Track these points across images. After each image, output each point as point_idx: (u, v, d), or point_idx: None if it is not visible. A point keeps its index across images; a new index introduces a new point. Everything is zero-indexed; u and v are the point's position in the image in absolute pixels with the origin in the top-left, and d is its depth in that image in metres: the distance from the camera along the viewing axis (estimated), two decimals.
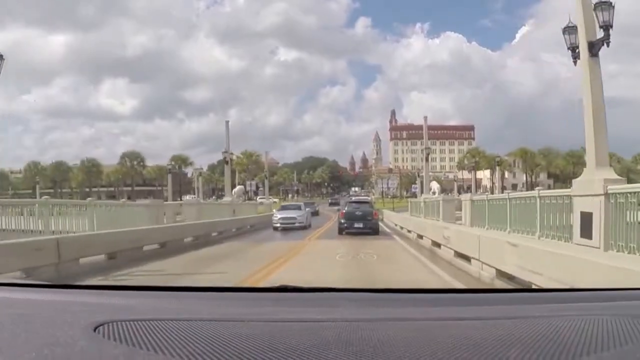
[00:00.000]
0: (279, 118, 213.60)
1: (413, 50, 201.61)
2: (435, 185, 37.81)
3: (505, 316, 1.30)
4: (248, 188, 39.29)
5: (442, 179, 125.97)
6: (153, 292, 1.75)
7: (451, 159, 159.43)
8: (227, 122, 32.69)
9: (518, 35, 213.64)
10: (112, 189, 70.57)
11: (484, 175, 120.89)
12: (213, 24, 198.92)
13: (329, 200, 76.92)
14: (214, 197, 57.98)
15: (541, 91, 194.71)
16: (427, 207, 25.09)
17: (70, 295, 1.60)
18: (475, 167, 53.55)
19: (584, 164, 11.44)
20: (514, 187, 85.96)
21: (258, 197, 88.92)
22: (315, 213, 30.42)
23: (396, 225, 26.12)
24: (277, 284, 1.69)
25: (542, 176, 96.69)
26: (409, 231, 20.75)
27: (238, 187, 41.05)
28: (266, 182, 48.12)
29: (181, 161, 57.08)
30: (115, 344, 1.06)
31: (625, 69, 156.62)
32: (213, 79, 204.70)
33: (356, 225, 19.89)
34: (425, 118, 36.90)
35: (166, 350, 1.03)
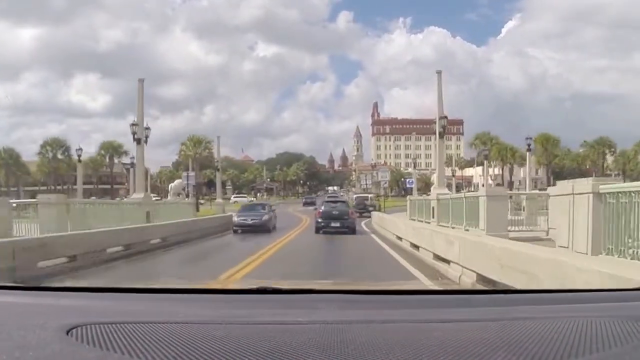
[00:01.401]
0: (257, 115, 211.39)
1: (395, 45, 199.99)
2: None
3: (490, 318, 1.29)
4: (186, 182, 27.68)
5: (429, 175, 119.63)
6: (128, 293, 1.68)
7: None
8: (141, 80, 20.66)
9: (504, 30, 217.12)
10: (37, 187, 57.19)
11: (475, 172, 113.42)
12: (190, 18, 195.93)
13: (303, 200, 66.91)
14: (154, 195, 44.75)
15: (528, 86, 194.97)
16: (444, 208, 17.58)
17: (43, 298, 1.56)
18: (489, 157, 42.08)
19: None
20: (537, 183, 72.11)
21: (233, 196, 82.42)
22: (268, 220, 21.94)
23: (401, 239, 14.90)
24: (256, 285, 1.67)
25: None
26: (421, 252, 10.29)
27: (176, 182, 29.57)
28: (218, 175, 35.60)
29: (112, 150, 42.83)
30: (89, 347, 1.05)
31: (614, 65, 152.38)
32: (189, 75, 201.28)
33: (333, 224, 19.80)
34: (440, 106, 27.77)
35: (140, 354, 1.02)
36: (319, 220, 20.17)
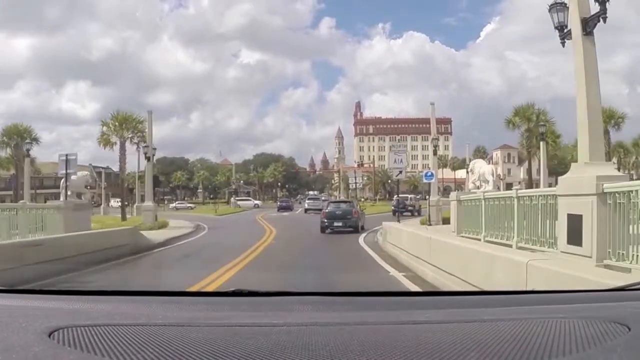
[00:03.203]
0: (240, 121, 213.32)
1: (375, 51, 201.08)
2: (486, 168, 18.41)
3: (463, 319, 1.27)
4: (65, 171, 18.04)
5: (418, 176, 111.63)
6: (109, 296, 1.69)
7: (425, 157, 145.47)
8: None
9: (483, 34, 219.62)
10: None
11: (467, 174, 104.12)
12: (177, 27, 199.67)
13: (278, 204, 57.08)
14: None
15: (507, 89, 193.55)
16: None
17: (25, 300, 1.57)
18: (530, 145, 30.23)
19: None
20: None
21: (234, 198, 71.51)
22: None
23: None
24: (232, 288, 1.69)
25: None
26: None
27: (79, 174, 20.33)
28: (148, 167, 24.23)
29: (18, 135, 31.26)
30: (70, 349, 1.05)
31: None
32: (175, 82, 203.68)
33: (336, 224, 20.09)
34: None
35: (120, 356, 1.02)
36: (324, 220, 20.53)
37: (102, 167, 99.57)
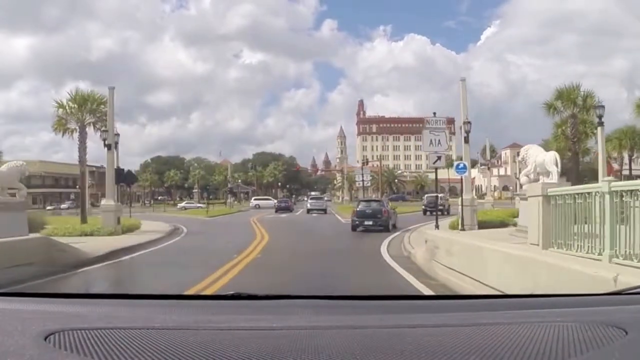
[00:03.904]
0: (241, 122, 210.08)
1: (377, 52, 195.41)
2: (546, 156, 13.27)
3: (462, 323, 1.27)
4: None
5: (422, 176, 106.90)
6: (106, 299, 1.69)
7: (428, 157, 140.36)
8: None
9: (483, 37, 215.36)
10: None
11: (478, 174, 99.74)
12: (178, 27, 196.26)
13: (276, 204, 51.21)
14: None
15: (508, 91, 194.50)
16: None
17: (22, 304, 1.53)
18: (579, 137, 24.62)
19: None
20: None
21: (254, 199, 67.52)
22: None
23: None
24: (231, 291, 1.65)
25: None
26: None
27: (10, 165, 15.68)
28: (108, 157, 19.29)
29: None
30: (66, 353, 1.04)
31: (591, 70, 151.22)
32: (176, 83, 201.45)
33: (366, 222, 20.19)
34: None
35: None
36: (354, 219, 20.81)
37: (96, 166, 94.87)
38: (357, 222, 20.48)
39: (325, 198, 60.73)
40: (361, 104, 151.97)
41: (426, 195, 40.09)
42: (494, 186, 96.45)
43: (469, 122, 18.14)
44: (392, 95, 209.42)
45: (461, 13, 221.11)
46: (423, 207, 32.87)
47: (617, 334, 1.12)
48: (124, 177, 31.54)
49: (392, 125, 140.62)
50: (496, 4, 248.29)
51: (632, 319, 1.23)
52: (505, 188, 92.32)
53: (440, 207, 32.08)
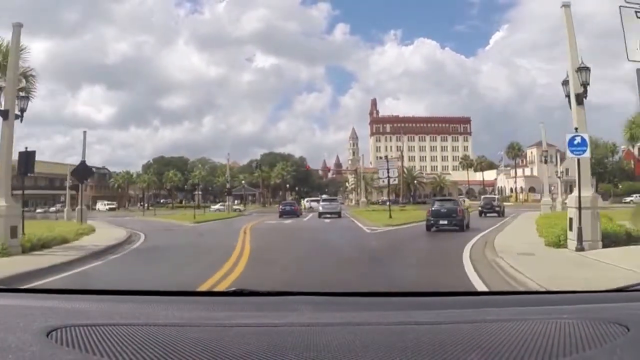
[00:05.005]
0: (253, 126, 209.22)
1: (388, 56, 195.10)
2: None
3: (464, 320, 1.28)
4: None
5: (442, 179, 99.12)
6: (108, 296, 1.68)
7: (444, 158, 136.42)
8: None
9: (492, 41, 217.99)
10: None
11: (499, 175, 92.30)
12: (192, 31, 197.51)
13: (280, 207, 43.07)
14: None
15: (517, 94, 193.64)
16: None
17: (24, 300, 1.56)
18: None
19: None
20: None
21: (306, 200, 65.49)
22: None
23: None
24: (233, 287, 1.67)
25: None
26: None
27: None
28: (7, 123, 11.90)
29: None
30: (68, 349, 1.04)
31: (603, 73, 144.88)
32: (189, 86, 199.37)
33: (441, 222, 20.03)
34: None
35: (119, 356, 1.01)
36: (429, 218, 20.49)
37: (96, 167, 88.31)
38: (432, 222, 20.22)
39: (339, 200, 53.79)
40: (374, 103, 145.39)
41: (482, 197, 41.07)
42: (521, 187, 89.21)
43: (587, 68, 10.85)
44: (402, 99, 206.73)
45: (470, 17, 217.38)
46: (479, 208, 33.42)
47: (619, 331, 1.11)
48: (77, 172, 24.92)
49: (407, 125, 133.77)
50: (505, 9, 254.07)
51: (634, 316, 1.22)
52: (531, 189, 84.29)
53: (497, 209, 32.53)
